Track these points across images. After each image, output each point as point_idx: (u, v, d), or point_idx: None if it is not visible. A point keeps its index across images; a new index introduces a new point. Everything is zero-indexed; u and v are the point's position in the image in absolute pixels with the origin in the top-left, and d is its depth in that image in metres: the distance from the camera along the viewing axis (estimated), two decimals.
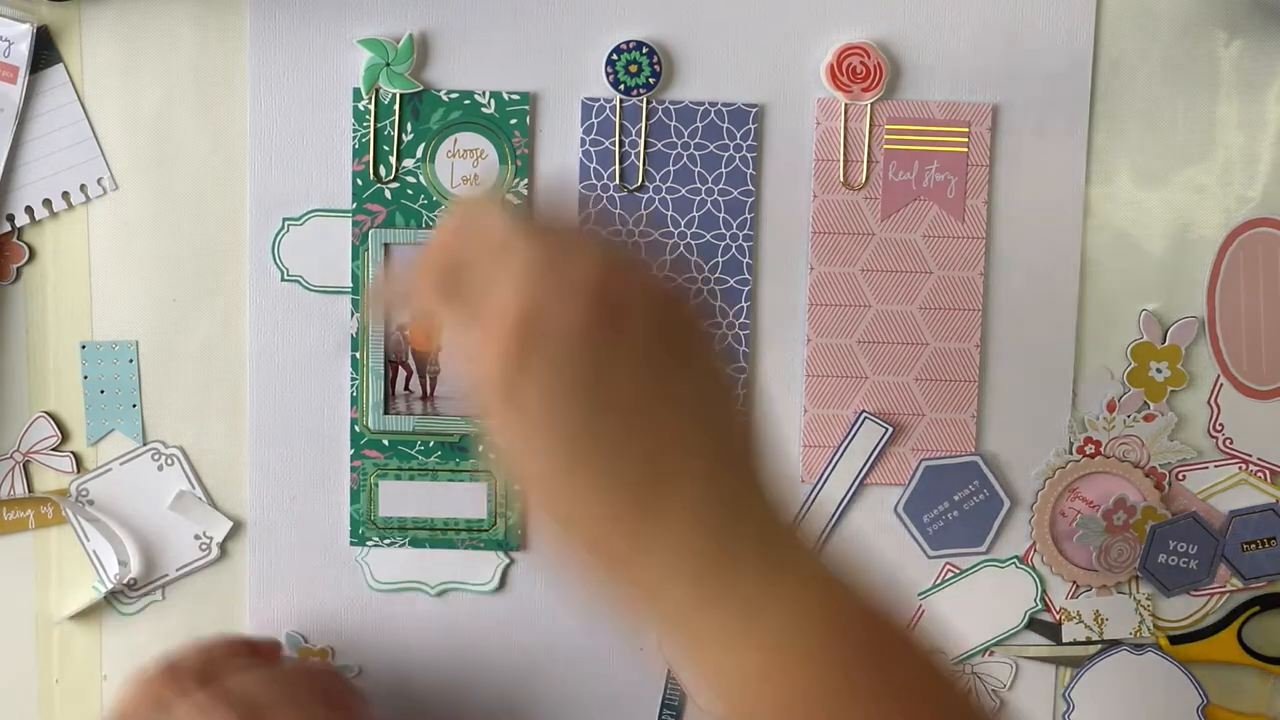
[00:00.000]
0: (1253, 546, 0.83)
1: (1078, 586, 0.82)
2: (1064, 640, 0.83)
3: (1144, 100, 0.80)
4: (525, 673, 0.83)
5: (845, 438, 0.81)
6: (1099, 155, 0.80)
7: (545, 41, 0.78)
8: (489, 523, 0.81)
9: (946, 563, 0.82)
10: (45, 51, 0.78)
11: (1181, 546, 0.82)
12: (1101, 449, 0.82)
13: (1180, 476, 0.82)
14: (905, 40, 0.79)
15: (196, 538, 0.81)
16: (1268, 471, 0.82)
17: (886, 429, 0.81)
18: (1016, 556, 0.82)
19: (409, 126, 0.79)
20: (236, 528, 0.81)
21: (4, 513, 0.81)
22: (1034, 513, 0.82)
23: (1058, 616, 0.83)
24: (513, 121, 0.79)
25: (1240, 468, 0.82)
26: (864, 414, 0.81)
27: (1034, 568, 0.82)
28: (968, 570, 0.82)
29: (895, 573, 0.82)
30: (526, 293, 0.50)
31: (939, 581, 0.82)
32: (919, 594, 0.82)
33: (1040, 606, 0.83)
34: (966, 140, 0.79)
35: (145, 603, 0.82)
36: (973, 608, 0.82)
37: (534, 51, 0.79)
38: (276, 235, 0.79)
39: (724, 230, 0.79)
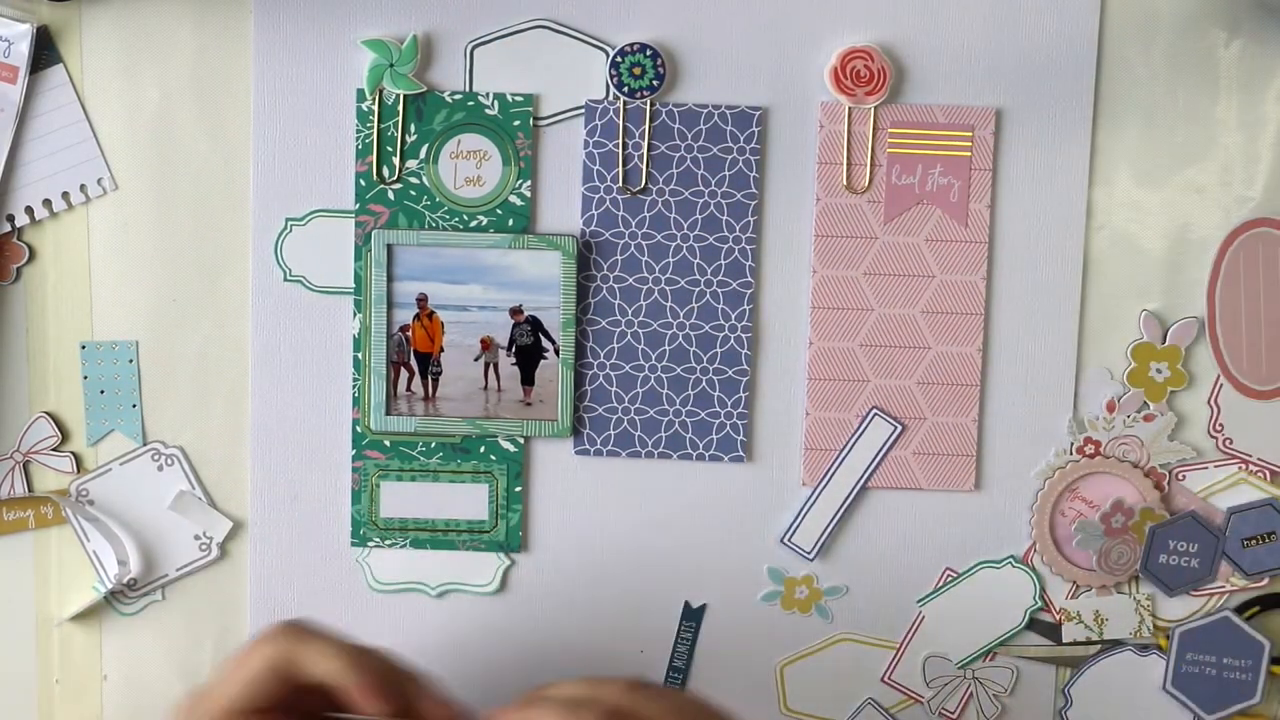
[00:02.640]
0: (1253, 542, 0.83)
1: (1078, 586, 0.83)
2: (1064, 640, 0.83)
3: (1144, 100, 0.80)
4: (525, 674, 0.83)
5: (854, 433, 0.81)
6: (1099, 155, 0.80)
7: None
8: (490, 524, 0.81)
9: (947, 567, 0.82)
10: (45, 51, 0.77)
11: (1182, 546, 0.82)
12: (1101, 449, 0.82)
13: (1180, 477, 0.83)
14: (909, 44, 0.79)
15: (196, 538, 0.81)
16: (1268, 472, 0.83)
17: (896, 426, 0.81)
18: (1013, 556, 0.82)
19: (412, 127, 0.78)
20: (237, 528, 0.81)
21: (4, 513, 0.81)
22: (1034, 513, 0.82)
23: (1058, 617, 0.83)
24: (516, 123, 0.78)
25: (1240, 468, 0.83)
26: (874, 410, 0.81)
27: (1032, 566, 0.82)
28: (965, 573, 0.82)
29: (897, 579, 0.83)
30: None
31: (938, 586, 0.82)
32: (918, 601, 0.83)
33: (1040, 604, 0.83)
34: (970, 144, 0.79)
35: (145, 603, 0.82)
36: (973, 610, 0.83)
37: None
38: (279, 235, 0.79)
39: (727, 233, 0.79)
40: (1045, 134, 0.80)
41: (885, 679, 0.83)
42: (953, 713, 0.84)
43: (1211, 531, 0.82)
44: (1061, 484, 0.82)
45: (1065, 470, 0.82)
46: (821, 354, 0.81)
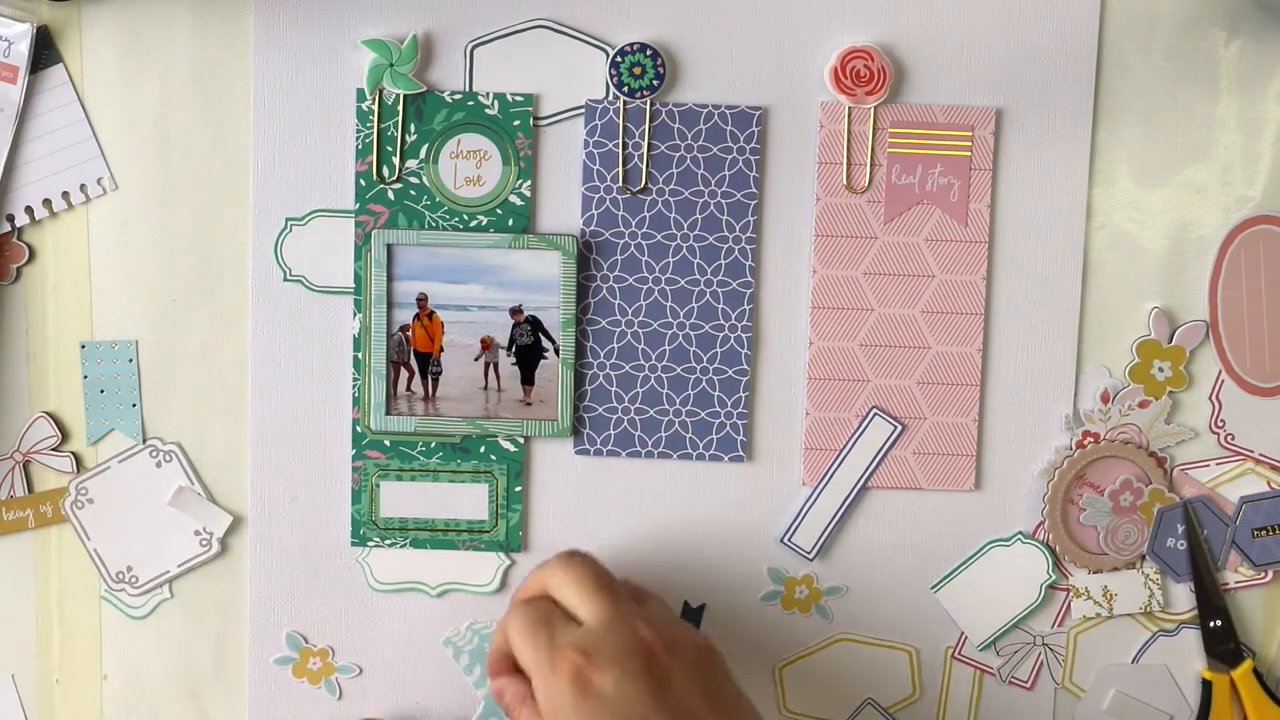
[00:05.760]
0: (1263, 533, 0.83)
1: (1090, 573, 0.83)
2: (1074, 617, 0.84)
3: (1144, 100, 0.80)
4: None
5: (854, 433, 0.81)
6: (1099, 155, 0.80)
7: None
8: (490, 524, 0.81)
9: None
10: (45, 51, 0.77)
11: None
12: (1100, 440, 0.82)
13: (1184, 472, 0.83)
14: (909, 43, 0.79)
15: (197, 534, 0.81)
16: (1268, 468, 0.83)
17: (896, 426, 0.81)
18: (1021, 532, 0.82)
19: (412, 127, 0.78)
20: (236, 523, 0.81)
21: (4, 513, 0.81)
22: (1046, 503, 0.82)
23: (1068, 593, 0.83)
24: (516, 122, 0.78)
25: (1241, 462, 0.83)
26: (874, 410, 0.81)
27: (1040, 541, 0.82)
28: (974, 554, 0.83)
29: (897, 579, 0.83)
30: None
31: (949, 571, 0.83)
32: (931, 587, 0.83)
33: (1054, 578, 0.83)
34: (970, 143, 0.79)
35: (146, 600, 0.82)
36: (987, 590, 0.83)
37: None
38: (279, 235, 0.79)
39: (727, 233, 0.79)
40: (1045, 134, 0.80)
41: (956, 654, 0.84)
42: (1025, 681, 0.84)
43: (1221, 518, 0.83)
44: (1071, 472, 0.82)
45: (1074, 458, 0.81)
46: (821, 354, 0.81)
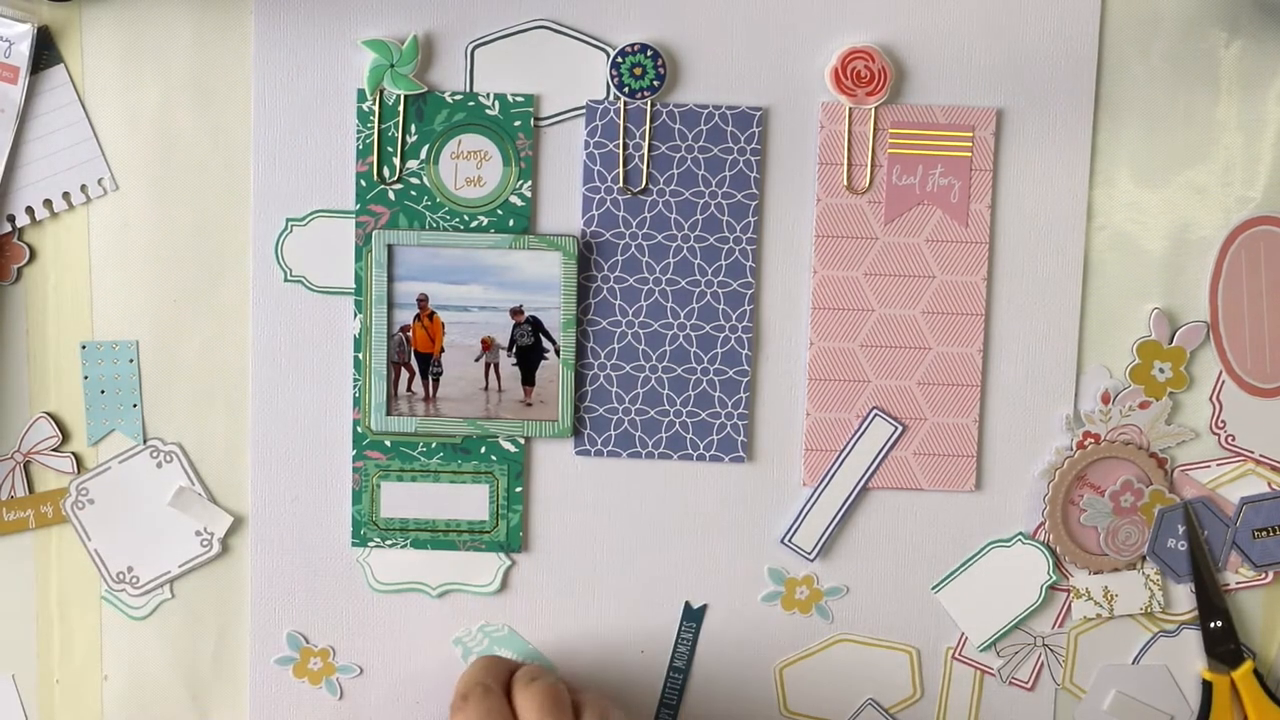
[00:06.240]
0: (1264, 534, 0.83)
1: (1090, 573, 0.83)
2: (1075, 617, 0.84)
3: (1144, 100, 0.80)
4: None
5: (854, 434, 0.81)
6: (1099, 156, 0.80)
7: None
8: (490, 524, 0.81)
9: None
10: (45, 51, 0.77)
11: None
12: (1101, 441, 0.82)
13: (1185, 473, 0.83)
14: (910, 44, 0.79)
15: (197, 534, 0.81)
16: (1269, 468, 0.83)
17: (897, 426, 0.81)
18: (1022, 533, 0.82)
19: (413, 128, 0.78)
20: (237, 523, 0.81)
21: (4, 513, 0.81)
22: (1046, 504, 0.82)
23: (1069, 594, 0.83)
24: (516, 123, 0.78)
25: (1241, 463, 0.83)
26: (875, 410, 0.81)
27: (1041, 542, 0.82)
28: (975, 555, 0.83)
29: (897, 580, 0.83)
30: None
31: (950, 572, 0.83)
32: (932, 588, 0.83)
33: (1055, 578, 0.83)
34: (970, 144, 0.79)
35: (147, 601, 0.82)
36: (987, 591, 0.83)
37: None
38: (279, 236, 0.79)
39: (727, 234, 0.79)
40: (1045, 134, 0.80)
41: (956, 655, 0.84)
42: (1025, 682, 0.84)
43: (1222, 519, 0.83)
44: (1072, 473, 0.82)
45: (1075, 459, 0.81)
46: (822, 354, 0.81)
